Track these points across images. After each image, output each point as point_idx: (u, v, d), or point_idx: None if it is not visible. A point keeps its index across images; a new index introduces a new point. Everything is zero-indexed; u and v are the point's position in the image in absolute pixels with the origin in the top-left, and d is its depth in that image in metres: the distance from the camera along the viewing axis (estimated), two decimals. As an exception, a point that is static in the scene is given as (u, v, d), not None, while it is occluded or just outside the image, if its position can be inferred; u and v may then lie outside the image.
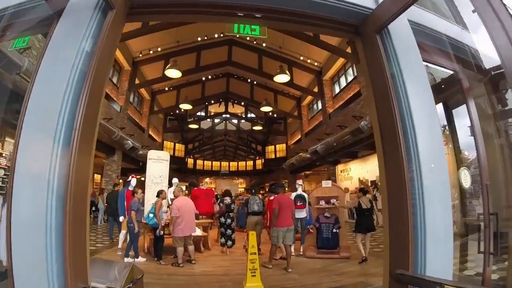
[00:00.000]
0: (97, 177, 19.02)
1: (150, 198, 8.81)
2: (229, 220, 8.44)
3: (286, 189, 24.05)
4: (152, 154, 10.17)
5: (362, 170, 13.59)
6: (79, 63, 2.05)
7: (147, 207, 8.17)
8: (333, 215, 7.47)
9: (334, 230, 7.30)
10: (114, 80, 15.77)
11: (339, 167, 15.87)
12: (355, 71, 15.30)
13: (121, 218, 7.82)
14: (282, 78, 14.70)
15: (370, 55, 2.65)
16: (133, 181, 8.21)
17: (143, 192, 9.52)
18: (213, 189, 36.95)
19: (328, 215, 7.45)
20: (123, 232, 7.97)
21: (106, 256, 7.39)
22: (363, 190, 7.38)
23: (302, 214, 8.03)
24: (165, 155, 10.47)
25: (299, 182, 8.58)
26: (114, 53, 2.61)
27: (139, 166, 17.33)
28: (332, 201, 7.75)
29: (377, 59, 2.46)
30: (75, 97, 1.98)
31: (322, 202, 7.83)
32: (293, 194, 8.07)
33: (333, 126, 15.95)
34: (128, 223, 7.01)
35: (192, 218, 6.80)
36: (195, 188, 10.51)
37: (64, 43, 2.09)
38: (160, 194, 7.37)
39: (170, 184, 9.66)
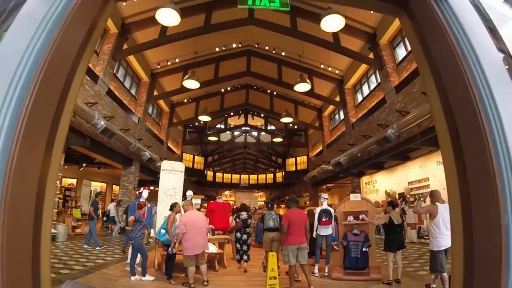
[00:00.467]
0: (116, 188, 18.88)
1: (162, 211, 8.38)
2: (245, 236, 8.12)
3: (307, 202, 23.38)
4: (166, 164, 9.72)
5: (389, 182, 12.74)
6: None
7: (159, 221, 7.73)
8: (362, 232, 6.77)
9: (364, 249, 6.57)
10: (133, 91, 15.66)
11: (364, 179, 15.05)
12: (378, 78, 14.61)
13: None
14: (302, 87, 14.11)
15: (425, 25, 2.03)
16: (145, 193, 7.79)
17: (155, 204, 9.11)
18: (232, 202, 36.93)
19: (357, 232, 6.75)
20: (133, 246, 7.58)
21: (113, 271, 6.90)
22: (392, 203, 6.64)
23: (328, 230, 7.40)
24: (179, 166, 9.98)
25: (324, 195, 7.94)
26: (97, 32, 2.11)
27: (156, 178, 16.93)
28: (361, 216, 7.01)
29: (437, 28, 1.85)
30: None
31: (351, 218, 7.08)
32: (318, 209, 7.49)
33: (356, 136, 15.20)
34: (129, 238, 6.58)
35: (201, 235, 6.13)
36: (212, 201, 9.96)
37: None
38: (173, 207, 6.84)
39: (185, 197, 9.17)
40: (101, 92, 11.81)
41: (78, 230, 13.36)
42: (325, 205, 7.58)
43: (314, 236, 7.44)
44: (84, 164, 16.79)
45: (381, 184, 13.15)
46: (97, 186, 20.06)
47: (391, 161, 12.73)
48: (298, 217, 5.94)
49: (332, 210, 7.53)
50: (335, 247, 7.46)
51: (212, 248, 7.27)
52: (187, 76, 13.27)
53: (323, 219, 7.22)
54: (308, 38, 13.04)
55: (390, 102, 12.43)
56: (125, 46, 13.21)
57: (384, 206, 8.55)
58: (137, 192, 8.34)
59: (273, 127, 27.19)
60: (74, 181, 18.04)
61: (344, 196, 27.08)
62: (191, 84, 13.49)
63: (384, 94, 12.95)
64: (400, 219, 6.16)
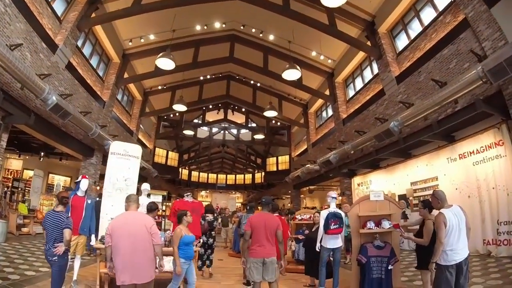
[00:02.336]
0: (66, 180, 16.84)
1: (108, 210, 6.46)
2: (211, 240, 7.64)
3: (290, 205, 21.76)
4: (116, 146, 7.39)
5: (387, 183, 11.35)
6: None
7: (105, 224, 5.76)
8: (386, 243, 5.10)
9: (390, 267, 4.95)
10: (100, 72, 13.72)
11: (356, 180, 13.63)
12: (373, 70, 13.37)
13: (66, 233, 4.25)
14: (291, 75, 12.68)
15: None
16: (84, 184, 5.92)
17: (100, 199, 7.27)
18: (208, 203, 35.21)
19: (381, 243, 5.07)
20: (78, 257, 5.74)
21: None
22: (428, 204, 4.84)
23: (337, 242, 5.82)
24: (135, 150, 7.62)
25: (332, 194, 6.19)
26: None
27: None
28: (384, 222, 5.25)
29: None
30: None
31: (371, 225, 5.27)
32: (324, 213, 5.88)
33: (348, 132, 13.92)
34: (49, 256, 4.14)
35: (140, 252, 3.82)
36: (177, 200, 7.94)
37: None
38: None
39: (139, 193, 7.34)
40: (59, 65, 9.91)
41: (25, 230, 11.30)
42: (333, 207, 5.95)
43: (318, 250, 5.92)
44: (42, 153, 14.73)
45: (377, 185, 11.76)
46: (60, 180, 17.88)
47: (390, 159, 11.39)
48: (264, 223, 4.69)
49: (343, 214, 5.87)
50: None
51: (167, 266, 5.05)
52: (161, 54, 11.54)
53: (332, 227, 5.60)
54: (301, 18, 11.56)
55: (390, 94, 11.24)
56: (93, 15, 11.33)
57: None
58: (74, 182, 6.34)
59: (254, 125, 25.59)
60: (31, 172, 15.75)
61: (326, 200, 26.09)
62: (166, 63, 11.81)
63: (383, 85, 11.66)
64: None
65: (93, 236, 5.92)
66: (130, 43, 13.93)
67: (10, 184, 13.99)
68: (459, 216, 4.03)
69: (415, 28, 10.87)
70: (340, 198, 15.60)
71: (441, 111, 8.42)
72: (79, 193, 5.85)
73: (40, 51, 8.85)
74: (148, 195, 7.98)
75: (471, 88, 6.98)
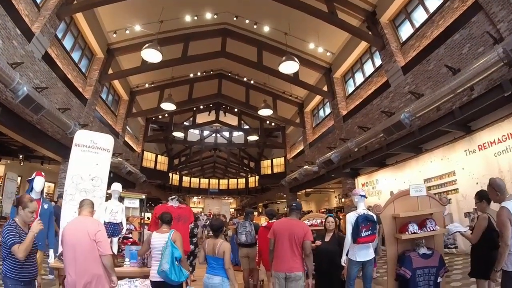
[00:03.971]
0: (50, 186, 15.60)
1: (70, 218, 4.85)
2: (192, 246, 7.27)
3: (285, 209, 20.85)
4: (81, 137, 6.09)
5: (396, 181, 10.46)
6: None
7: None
8: (433, 250, 4.08)
9: (439, 279, 3.94)
10: (83, 67, 12.64)
11: (360, 180, 12.74)
12: (375, 63, 12.60)
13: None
14: (289, 67, 11.79)
15: None
16: (38, 183, 4.88)
17: (56, 203, 6.15)
18: (199, 210, 33.74)
19: (427, 251, 4.04)
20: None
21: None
22: (485, 196, 3.78)
23: (368, 253, 4.66)
24: (106, 141, 6.31)
25: (360, 191, 4.96)
26: None
27: (109, 178, 13.95)
28: (429, 224, 4.15)
29: None
30: None
31: (414, 228, 4.12)
32: (351, 216, 4.67)
33: (350, 129, 13.08)
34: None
35: (81, 265, 3.21)
36: (160, 205, 6.24)
37: None
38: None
39: (108, 195, 5.94)
40: (35, 54, 8.89)
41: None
42: (362, 208, 4.73)
43: (344, 264, 4.71)
44: (21, 156, 13.56)
45: (384, 185, 10.89)
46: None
47: (398, 155, 10.56)
48: (289, 231, 4.11)
49: (374, 215, 4.62)
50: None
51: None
52: (147, 45, 10.56)
53: (363, 234, 4.42)
54: (298, 5, 10.69)
55: (396, 86, 10.46)
56: (75, 2, 10.33)
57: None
58: (27, 181, 5.17)
59: (247, 127, 24.64)
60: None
61: (322, 203, 25.17)
62: (152, 55, 10.81)
63: (388, 77, 10.85)
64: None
65: (51, 252, 4.71)
66: (114, 35, 12.87)
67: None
68: None
69: (419, 16, 10.17)
70: (343, 200, 14.72)
71: (455, 100, 7.70)
72: (33, 195, 4.70)
73: (13, 37, 7.87)
74: (121, 198, 6.40)
75: (489, 72, 6.37)
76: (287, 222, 4.35)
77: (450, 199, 8.45)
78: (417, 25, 10.16)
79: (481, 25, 7.34)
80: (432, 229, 4.10)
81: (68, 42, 11.45)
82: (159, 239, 3.96)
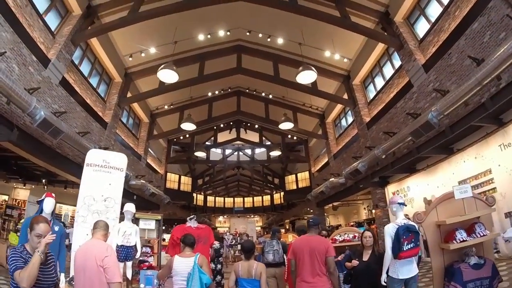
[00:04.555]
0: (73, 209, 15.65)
1: (81, 241, 4.77)
2: (219, 266, 7.36)
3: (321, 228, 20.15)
4: (93, 156, 6.10)
5: (428, 187, 9.79)
6: None
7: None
8: (486, 259, 3.58)
9: None
10: (102, 92, 12.88)
11: (390, 188, 12.07)
12: (394, 64, 12.19)
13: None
14: (306, 77, 11.57)
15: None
16: (48, 204, 4.60)
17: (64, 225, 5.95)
18: (225, 229, 33.34)
19: (479, 260, 3.55)
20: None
21: None
22: None
23: (413, 268, 4.01)
24: (119, 160, 6.20)
25: (398, 199, 4.38)
26: None
27: (132, 200, 13.96)
28: (478, 229, 3.67)
29: None
30: None
31: (462, 235, 3.65)
32: (390, 228, 4.14)
33: (375, 136, 12.59)
34: None
35: None
36: (177, 226, 5.86)
37: None
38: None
39: (122, 215, 5.73)
40: (52, 80, 9.06)
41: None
42: (401, 218, 4.19)
43: (384, 283, 4.08)
44: (44, 180, 13.80)
45: (416, 191, 10.23)
46: (68, 210, 16.77)
47: (429, 159, 9.95)
48: (309, 248, 3.93)
49: (415, 225, 4.05)
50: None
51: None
52: (163, 66, 10.63)
53: (406, 247, 3.83)
54: (310, 13, 10.56)
55: (419, 85, 9.99)
56: (89, 29, 10.59)
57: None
58: (36, 202, 4.97)
59: (268, 143, 24.37)
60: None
61: (351, 216, 24.26)
62: (169, 75, 10.85)
63: (409, 76, 10.42)
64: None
65: (62, 276, 4.40)
66: (130, 59, 13.07)
67: (2, 211, 12.99)
68: None
69: (434, 10, 9.77)
70: (374, 211, 14.03)
71: (483, 92, 7.20)
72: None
73: (29, 64, 8.03)
74: (135, 219, 6.22)
75: None
76: (306, 239, 4.16)
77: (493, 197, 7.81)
78: (432, 20, 9.77)
79: (499, 9, 6.92)
80: (482, 234, 3.60)
81: (85, 68, 11.69)
82: (183, 264, 3.65)
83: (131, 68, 14.01)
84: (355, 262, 4.40)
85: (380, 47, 12.45)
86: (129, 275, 4.83)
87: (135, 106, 16.20)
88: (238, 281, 3.87)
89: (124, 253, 5.01)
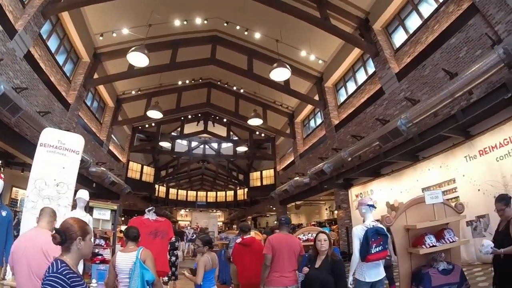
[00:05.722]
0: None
1: (27, 225, 4.47)
2: (173, 258, 8.32)
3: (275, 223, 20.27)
4: (47, 136, 5.46)
5: (392, 191, 10.08)
6: None
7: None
8: (454, 265, 3.56)
9: None
10: (67, 71, 12.12)
11: (354, 191, 12.32)
12: (367, 71, 12.40)
13: None
14: (280, 74, 11.49)
15: None
16: None
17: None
18: (187, 223, 32.73)
19: (447, 266, 3.51)
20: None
21: None
22: (507, 199, 3.55)
23: (380, 272, 3.96)
24: (75, 142, 5.63)
25: (368, 201, 4.29)
26: None
27: (92, 188, 13.28)
28: (448, 235, 3.65)
29: None
30: None
31: (432, 240, 3.59)
32: (358, 230, 4.00)
33: (342, 139, 12.83)
34: None
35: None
36: (135, 217, 5.59)
37: None
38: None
39: (75, 202, 5.19)
40: (17, 53, 8.39)
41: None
42: (370, 220, 4.08)
43: (350, 286, 3.95)
44: (1, 162, 12.75)
45: (379, 195, 10.49)
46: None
47: (394, 165, 10.23)
48: (287, 247, 4.20)
49: (384, 228, 4.00)
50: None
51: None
52: (134, 48, 10.14)
53: (374, 250, 3.76)
54: (291, 10, 10.46)
55: (390, 92, 10.29)
56: (61, 2, 9.86)
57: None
58: None
59: (236, 138, 24.14)
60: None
61: (313, 216, 24.61)
62: (139, 58, 10.39)
63: (382, 84, 10.65)
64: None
65: (8, 268, 3.91)
66: (101, 38, 12.35)
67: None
68: None
69: (413, 22, 10.05)
70: (335, 212, 14.28)
71: (453, 105, 7.51)
72: None
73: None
74: (89, 208, 5.61)
75: (489, 74, 6.22)
76: (283, 237, 4.35)
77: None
78: (411, 31, 10.04)
79: (478, 27, 7.25)
80: (451, 240, 3.61)
81: (53, 43, 10.94)
82: (125, 259, 3.33)
83: (101, 48, 13.30)
84: (305, 270, 4.12)
85: (355, 52, 12.61)
86: (80, 269, 4.42)
87: (101, 88, 15.42)
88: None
89: (75, 245, 4.61)
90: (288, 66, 11.15)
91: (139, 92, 16.99)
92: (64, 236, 1.96)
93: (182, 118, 21.19)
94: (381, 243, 3.83)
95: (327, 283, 3.81)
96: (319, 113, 16.31)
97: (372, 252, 3.75)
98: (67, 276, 1.87)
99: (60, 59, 11.54)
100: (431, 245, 3.57)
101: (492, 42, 6.44)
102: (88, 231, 2.10)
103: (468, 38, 7.50)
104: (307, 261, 4.37)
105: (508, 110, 6.69)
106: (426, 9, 9.41)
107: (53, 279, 1.82)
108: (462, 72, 6.74)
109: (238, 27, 13.00)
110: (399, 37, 10.71)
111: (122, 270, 3.29)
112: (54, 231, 1.98)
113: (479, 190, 7.10)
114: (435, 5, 9.00)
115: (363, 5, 11.14)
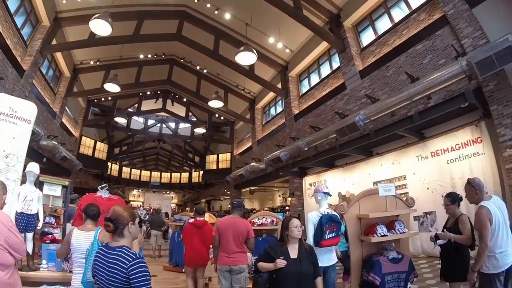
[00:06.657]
0: None
1: None
2: None
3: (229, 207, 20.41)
4: None
5: (344, 183, 10.58)
6: None
7: None
8: (403, 254, 3.77)
9: (409, 285, 3.67)
10: (25, 34, 11.23)
11: (308, 179, 12.75)
12: (332, 65, 12.73)
13: None
14: (246, 58, 11.41)
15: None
16: None
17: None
18: (139, 204, 31.99)
19: (397, 255, 3.71)
20: None
21: None
22: (456, 197, 3.85)
23: (331, 257, 4.16)
24: (27, 110, 5.19)
25: (323, 189, 4.42)
26: None
27: (42, 163, 12.48)
28: (398, 226, 3.88)
29: None
30: None
31: (383, 230, 3.78)
32: (313, 216, 4.10)
33: (301, 129, 13.15)
34: None
35: None
36: (87, 194, 5.22)
37: None
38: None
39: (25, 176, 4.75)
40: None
41: None
42: (325, 207, 4.24)
43: None
44: None
45: (332, 185, 10.93)
46: None
47: (348, 157, 10.71)
48: (232, 228, 4.45)
49: (338, 215, 4.13)
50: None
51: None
52: (97, 15, 9.57)
53: (327, 236, 3.91)
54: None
55: (352, 89, 10.68)
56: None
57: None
58: None
59: (195, 119, 23.80)
60: None
61: (266, 201, 25.13)
62: (103, 27, 9.80)
63: (345, 79, 11.04)
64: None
65: None
66: (64, 1, 11.59)
67: None
68: (503, 209, 3.11)
69: (383, 24, 10.47)
70: (289, 199, 14.69)
71: (411, 107, 7.99)
72: None
73: None
74: (39, 183, 5.21)
75: (449, 83, 6.72)
76: (230, 220, 4.57)
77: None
78: (379, 32, 10.43)
79: (445, 38, 7.71)
80: (401, 231, 3.88)
81: (12, 3, 10.07)
82: (82, 238, 3.13)
83: (62, 13, 12.44)
84: (281, 263, 3.03)
85: (323, 45, 12.86)
86: (29, 249, 4.18)
87: (58, 56, 14.45)
88: None
89: (24, 222, 4.30)
90: (254, 51, 11.10)
91: (98, 63, 16.16)
92: (117, 223, 2.12)
93: (141, 94, 20.43)
94: (335, 229, 4.00)
95: (308, 275, 3.13)
96: (280, 101, 16.56)
97: (326, 238, 3.90)
98: None
99: (19, 21, 10.66)
100: (382, 234, 3.77)
101: (456, 53, 6.89)
102: (135, 215, 2.25)
103: (434, 47, 7.96)
104: (267, 252, 3.30)
105: (463, 118, 7.30)
106: (398, 14, 9.81)
107: (142, 264, 2.00)
108: (424, 78, 7.22)
109: (208, 5, 12.70)
110: (367, 37, 11.10)
111: (77, 249, 3.12)
112: (106, 221, 2.11)
113: (428, 188, 7.70)
114: (407, 11, 9.43)
115: (337, 1, 11.41)
